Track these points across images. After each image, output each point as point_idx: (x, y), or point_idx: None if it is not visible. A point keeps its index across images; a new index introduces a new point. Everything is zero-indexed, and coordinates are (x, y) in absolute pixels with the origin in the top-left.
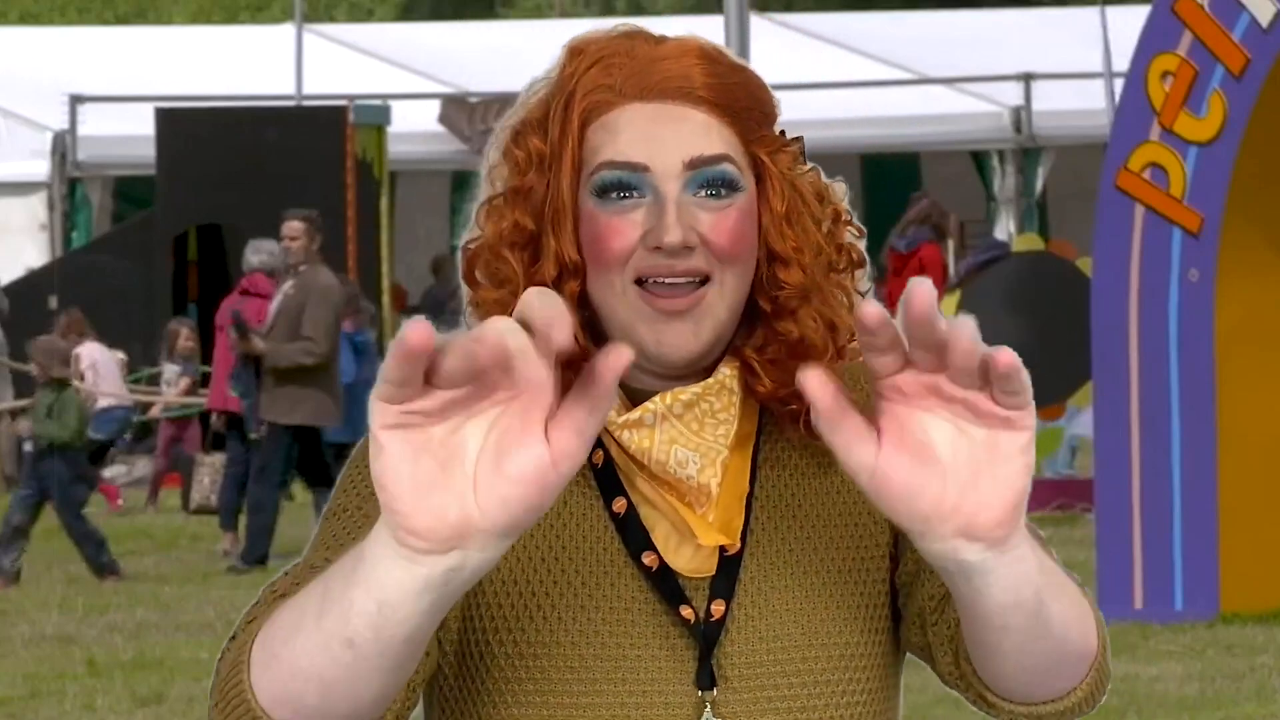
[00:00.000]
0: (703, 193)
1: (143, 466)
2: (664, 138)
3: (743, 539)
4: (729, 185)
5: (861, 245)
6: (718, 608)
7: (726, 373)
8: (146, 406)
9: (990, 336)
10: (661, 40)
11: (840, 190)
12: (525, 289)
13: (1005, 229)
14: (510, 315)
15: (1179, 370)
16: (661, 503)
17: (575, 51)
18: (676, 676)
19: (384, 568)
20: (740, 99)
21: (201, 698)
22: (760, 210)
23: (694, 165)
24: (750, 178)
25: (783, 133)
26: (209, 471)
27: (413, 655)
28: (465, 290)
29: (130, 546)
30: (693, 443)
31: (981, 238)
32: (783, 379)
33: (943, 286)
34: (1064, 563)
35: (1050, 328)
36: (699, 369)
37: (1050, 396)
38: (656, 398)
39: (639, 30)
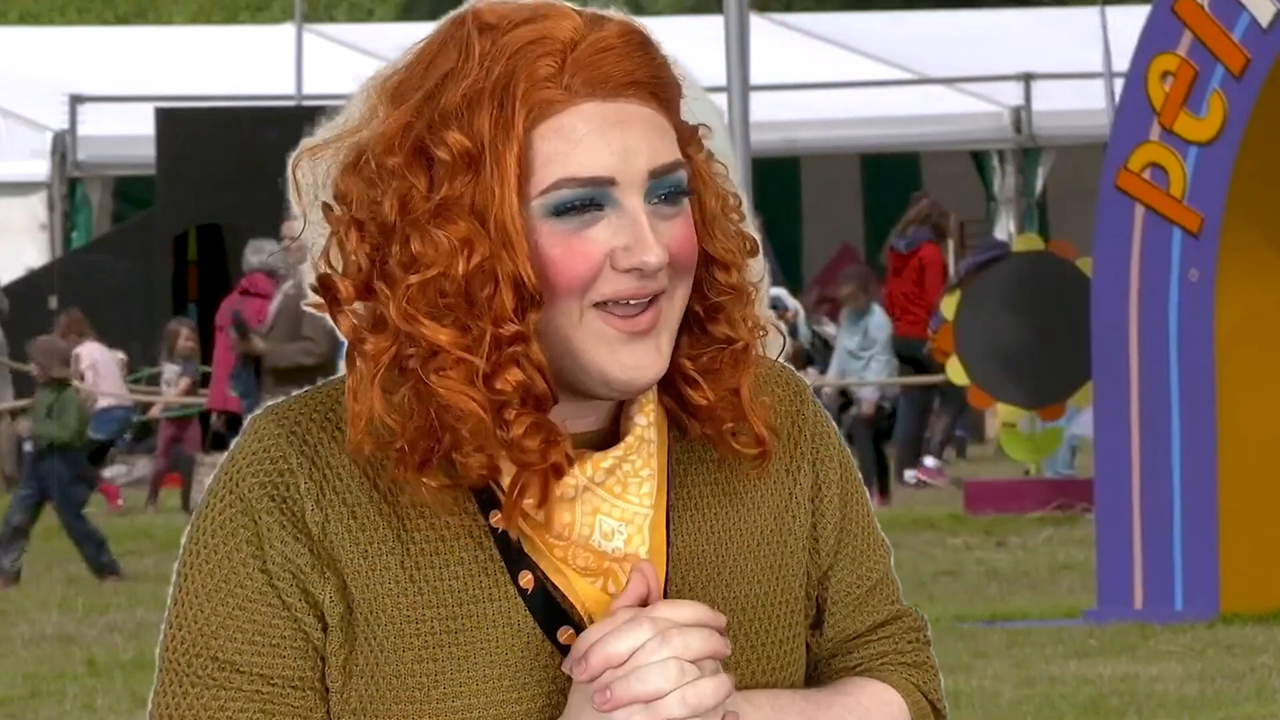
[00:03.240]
0: (657, 201)
1: (143, 466)
2: (628, 145)
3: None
4: (682, 190)
5: (753, 231)
6: None
7: (643, 422)
8: (146, 406)
9: (990, 336)
10: (595, 21)
11: (721, 168)
12: (490, 326)
13: (1005, 229)
14: (472, 359)
15: (1179, 370)
16: (573, 575)
17: (486, 27)
18: None
19: None
20: (674, 93)
21: None
22: (694, 212)
23: (656, 174)
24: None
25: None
26: (209, 471)
27: None
28: (349, 326)
29: (130, 546)
30: (616, 510)
31: (981, 238)
32: (722, 389)
33: (943, 286)
34: (1064, 563)
35: (1050, 328)
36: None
37: (1050, 396)
38: (575, 470)
39: (556, 6)
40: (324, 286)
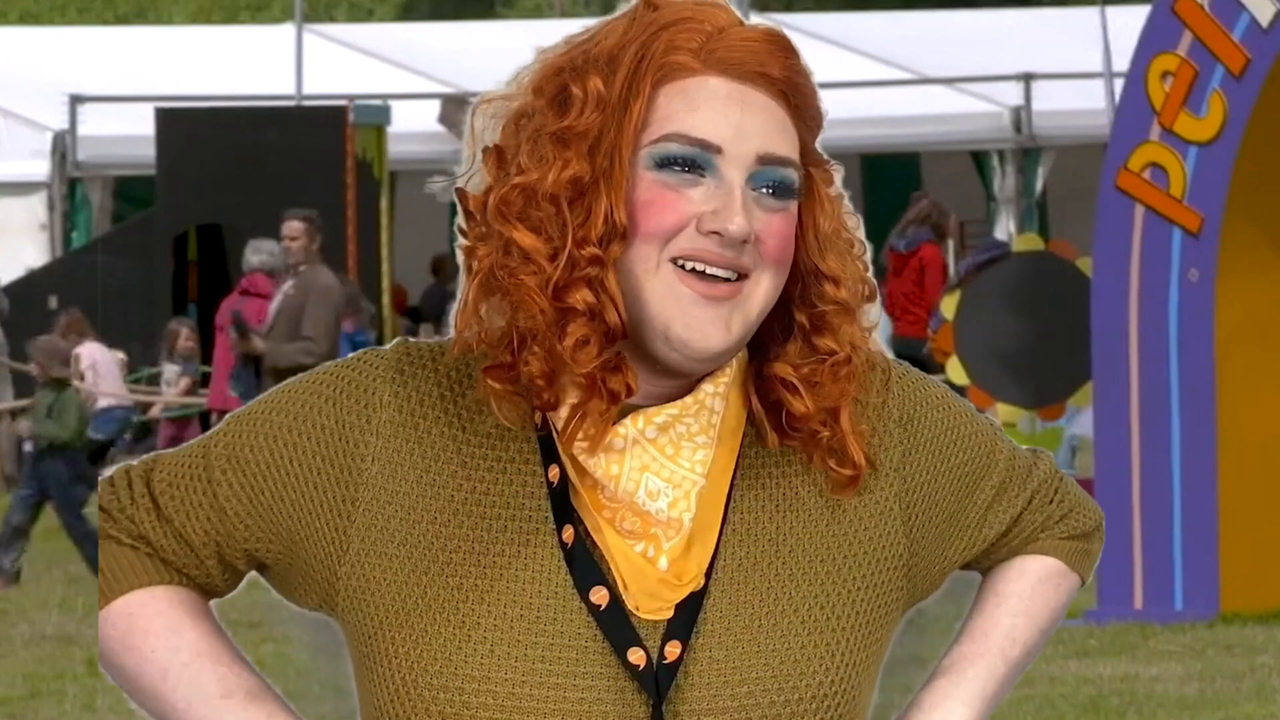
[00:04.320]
0: (764, 190)
1: None
2: (744, 125)
3: (709, 574)
4: (789, 190)
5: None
6: (672, 650)
7: (709, 390)
8: (146, 406)
9: (990, 337)
10: (747, 22)
11: (851, 216)
12: (570, 245)
13: (1005, 229)
14: (547, 268)
15: (1179, 370)
16: (614, 536)
17: (652, 6)
18: None
19: None
20: (810, 104)
21: None
22: (805, 224)
23: (766, 161)
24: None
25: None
26: None
27: None
28: (466, 231)
29: None
30: (665, 471)
31: (981, 238)
32: (822, 402)
33: (943, 286)
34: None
35: (1050, 328)
36: (688, 384)
37: (1050, 396)
38: (629, 419)
39: (720, 4)
40: (459, 198)
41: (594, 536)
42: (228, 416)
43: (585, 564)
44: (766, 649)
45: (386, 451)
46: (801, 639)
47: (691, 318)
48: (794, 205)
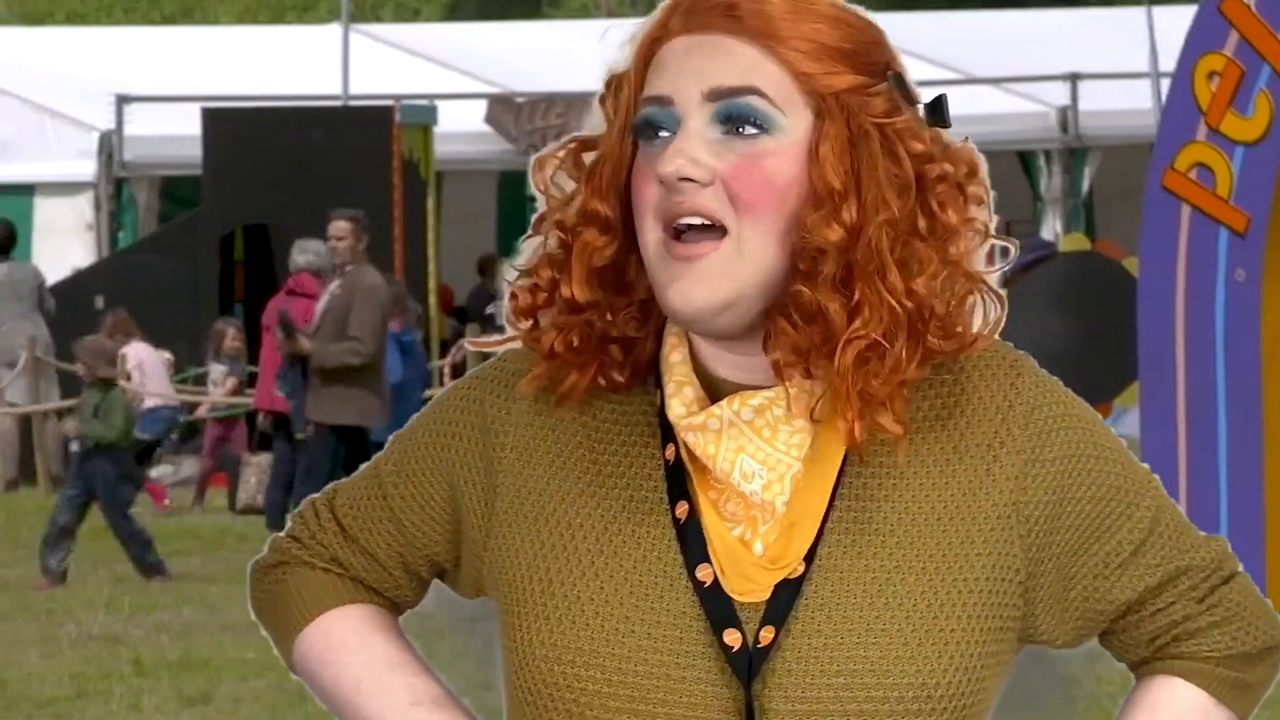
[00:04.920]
0: (728, 128)
1: (189, 466)
2: (691, 68)
3: (809, 559)
4: (757, 122)
5: (983, 217)
6: (766, 635)
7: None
8: (193, 406)
9: (1036, 337)
10: None
11: (971, 155)
12: (550, 230)
13: (1052, 229)
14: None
15: (1225, 370)
16: (714, 518)
17: (663, 5)
18: (718, 704)
19: None
20: (799, 30)
21: (248, 697)
22: (813, 154)
23: (715, 97)
24: (803, 118)
25: (893, 78)
26: (255, 471)
27: None
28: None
29: (177, 546)
30: (761, 454)
31: (1028, 238)
32: (797, 350)
33: None
34: None
35: (1096, 328)
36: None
37: (1096, 397)
38: (724, 401)
39: None
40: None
41: (701, 516)
42: (392, 437)
43: (695, 541)
44: (866, 641)
45: (523, 440)
46: (905, 634)
47: (675, 280)
48: (776, 140)
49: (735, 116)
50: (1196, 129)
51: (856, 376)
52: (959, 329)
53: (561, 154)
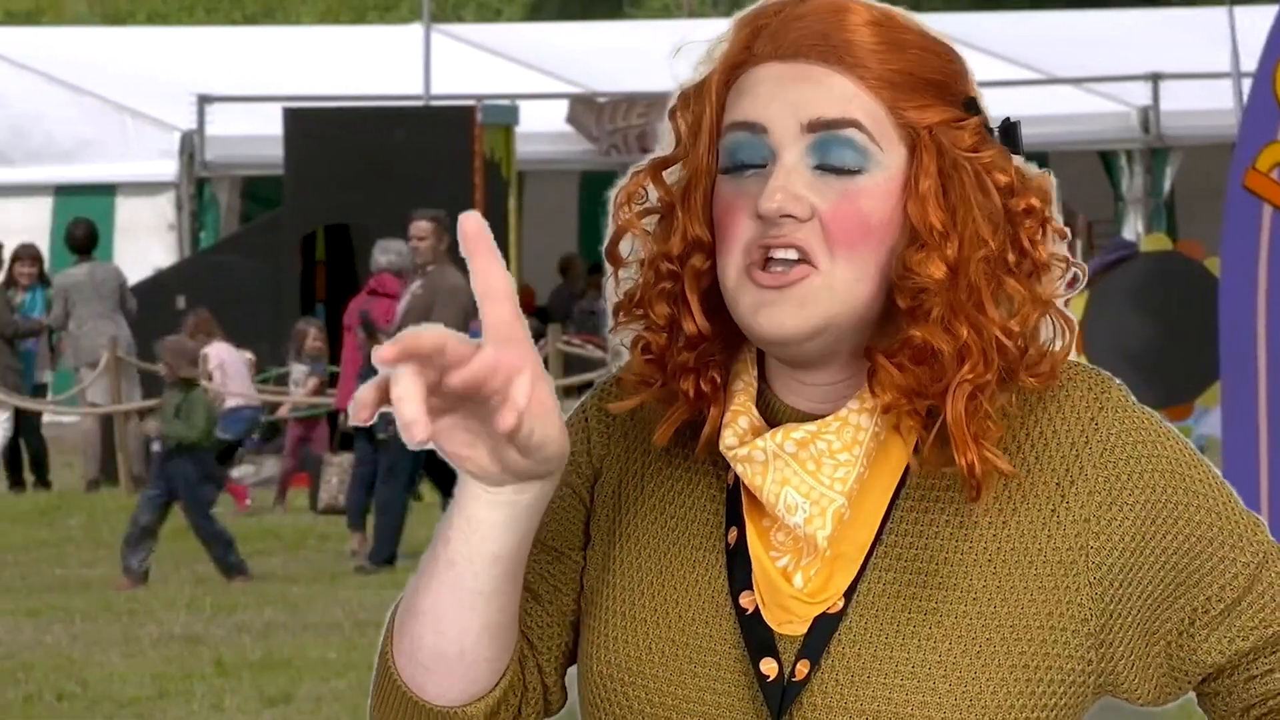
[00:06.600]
0: (825, 163)
1: (270, 466)
2: (786, 97)
3: (849, 595)
4: (854, 156)
5: (1061, 249)
6: (802, 669)
7: (854, 406)
8: (274, 406)
9: (1118, 337)
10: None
11: (1046, 185)
12: (655, 262)
13: (1133, 229)
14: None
15: None
16: (759, 547)
17: (738, 23)
18: None
19: (469, 495)
20: (891, 61)
21: (329, 697)
22: (911, 191)
23: (814, 128)
24: (897, 153)
25: (974, 110)
26: (337, 471)
27: (503, 587)
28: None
29: (258, 546)
30: (805, 486)
31: (1109, 237)
32: (906, 392)
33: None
34: None
35: (1178, 328)
36: (830, 386)
37: (1178, 396)
38: (769, 433)
39: None
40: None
41: (749, 543)
42: None
43: (741, 568)
44: (893, 683)
45: (620, 460)
46: (935, 681)
47: (764, 305)
48: (873, 178)
49: (835, 151)
50: (1277, 129)
51: (970, 419)
52: (1048, 367)
53: (644, 179)
